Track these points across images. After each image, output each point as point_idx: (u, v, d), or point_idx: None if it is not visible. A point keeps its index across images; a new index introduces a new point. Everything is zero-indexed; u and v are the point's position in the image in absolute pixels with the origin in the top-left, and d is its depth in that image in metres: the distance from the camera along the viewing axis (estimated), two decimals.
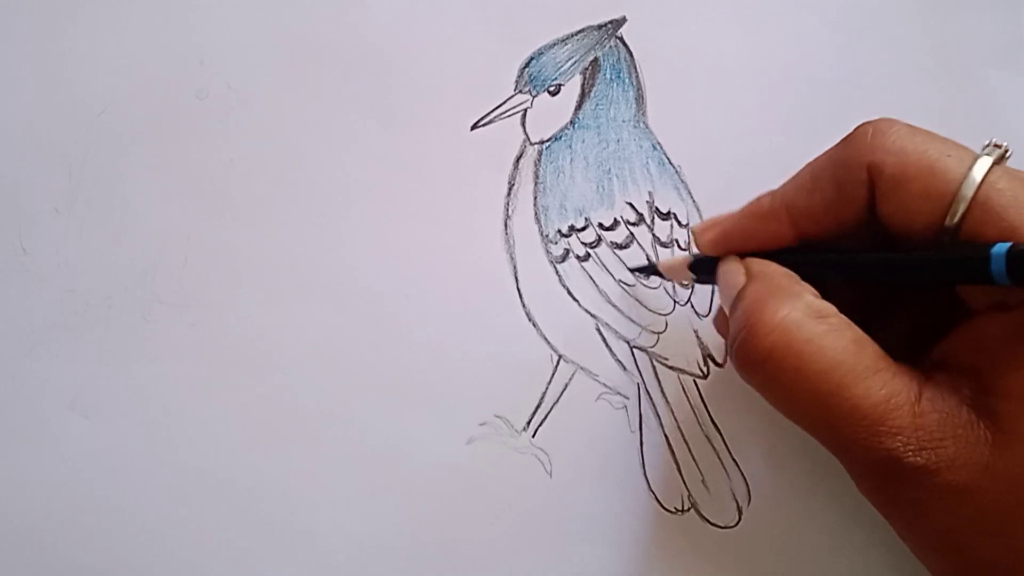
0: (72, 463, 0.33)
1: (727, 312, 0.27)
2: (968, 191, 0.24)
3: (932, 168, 0.24)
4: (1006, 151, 0.25)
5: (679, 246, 0.33)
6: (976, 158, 0.24)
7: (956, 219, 0.24)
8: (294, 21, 0.34)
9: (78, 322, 0.33)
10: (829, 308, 0.25)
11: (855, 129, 0.26)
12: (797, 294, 0.25)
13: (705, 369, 0.33)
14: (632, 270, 0.33)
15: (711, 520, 0.32)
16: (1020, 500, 0.23)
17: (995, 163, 0.24)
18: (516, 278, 0.33)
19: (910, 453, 0.23)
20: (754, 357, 0.25)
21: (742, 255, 0.28)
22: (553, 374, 0.33)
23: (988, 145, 0.25)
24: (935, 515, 0.24)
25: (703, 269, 0.29)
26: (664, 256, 0.33)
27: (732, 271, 0.27)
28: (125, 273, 0.34)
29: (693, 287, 0.33)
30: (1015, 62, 0.34)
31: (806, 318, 0.25)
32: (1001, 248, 0.23)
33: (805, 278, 0.26)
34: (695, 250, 0.30)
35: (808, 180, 0.27)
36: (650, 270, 0.32)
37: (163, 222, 0.34)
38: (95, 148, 0.34)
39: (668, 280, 0.32)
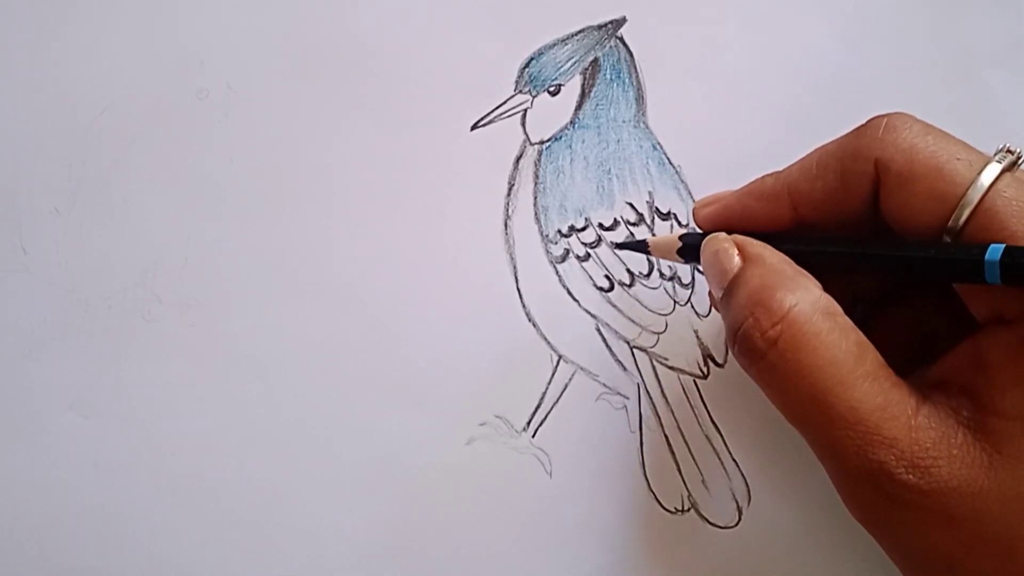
0: (72, 463, 0.33)
1: (716, 294, 0.27)
2: (974, 196, 0.24)
3: (940, 170, 0.24)
4: (1019, 157, 0.25)
5: None
6: (986, 163, 0.24)
7: (959, 223, 0.24)
8: (294, 21, 0.34)
9: (78, 322, 0.33)
10: (836, 306, 0.25)
11: (868, 121, 0.26)
12: (804, 285, 0.25)
13: (705, 369, 0.33)
14: (618, 245, 0.32)
15: (711, 520, 0.32)
16: (1018, 522, 0.22)
17: (1005, 170, 0.24)
18: (516, 278, 0.33)
19: (902, 469, 0.23)
20: (757, 345, 0.24)
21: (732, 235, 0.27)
22: (553, 374, 0.33)
23: (1001, 150, 0.25)
24: (925, 535, 0.23)
25: (693, 250, 0.29)
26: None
27: (724, 252, 0.26)
28: (125, 273, 0.33)
29: (694, 287, 0.33)
30: (1015, 62, 0.34)
31: (814, 312, 0.24)
32: (998, 248, 0.23)
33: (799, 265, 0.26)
34: (692, 227, 0.29)
35: (814, 166, 0.26)
36: (638, 247, 0.31)
37: (163, 222, 0.34)
38: (95, 148, 0.34)
39: (655, 257, 0.32)
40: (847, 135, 0.26)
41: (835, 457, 0.24)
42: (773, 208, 0.27)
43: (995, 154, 0.25)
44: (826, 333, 0.24)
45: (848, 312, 0.25)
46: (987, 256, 0.23)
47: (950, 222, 0.24)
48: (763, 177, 0.28)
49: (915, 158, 0.24)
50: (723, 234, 0.27)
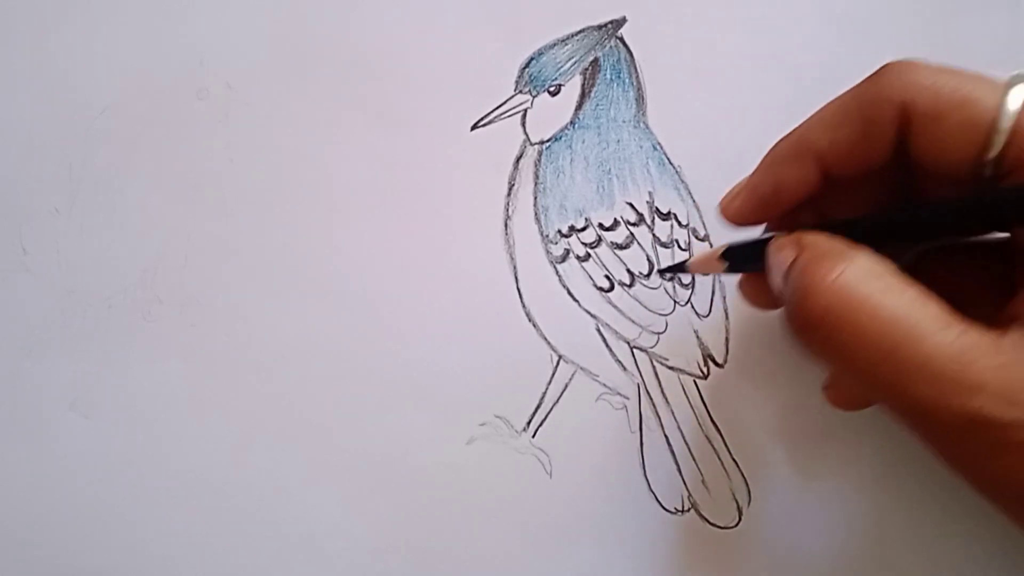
0: (72, 463, 0.33)
1: (778, 287, 0.26)
2: (1006, 122, 0.23)
3: (966, 101, 0.24)
4: None
5: (679, 246, 0.33)
6: (1008, 88, 0.24)
7: (996, 151, 0.24)
8: (294, 21, 0.34)
9: (78, 322, 0.33)
10: (886, 266, 0.24)
11: (882, 67, 0.26)
12: (851, 256, 0.24)
13: (705, 369, 0.33)
14: (661, 271, 0.32)
15: (711, 520, 0.32)
16: None
17: None
18: (516, 278, 0.33)
19: (998, 410, 0.22)
20: (810, 319, 0.23)
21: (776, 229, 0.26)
22: (553, 374, 0.33)
23: (1015, 75, 0.25)
24: None
25: (738, 256, 0.28)
26: (664, 256, 0.33)
27: (782, 246, 0.26)
28: (125, 273, 0.34)
29: (693, 287, 0.33)
30: (1015, 62, 0.34)
31: (862, 277, 0.23)
32: None
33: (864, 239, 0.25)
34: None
35: (833, 117, 0.26)
36: (677, 269, 0.32)
37: (163, 222, 0.34)
38: (95, 148, 0.34)
39: (698, 274, 0.31)
40: (862, 83, 0.26)
41: (926, 417, 0.23)
42: (798, 171, 0.27)
43: (1010, 79, 0.24)
44: (878, 293, 0.23)
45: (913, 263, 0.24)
46: None
47: (987, 152, 0.24)
48: (776, 144, 0.27)
49: (940, 93, 0.24)
50: (784, 234, 0.27)
